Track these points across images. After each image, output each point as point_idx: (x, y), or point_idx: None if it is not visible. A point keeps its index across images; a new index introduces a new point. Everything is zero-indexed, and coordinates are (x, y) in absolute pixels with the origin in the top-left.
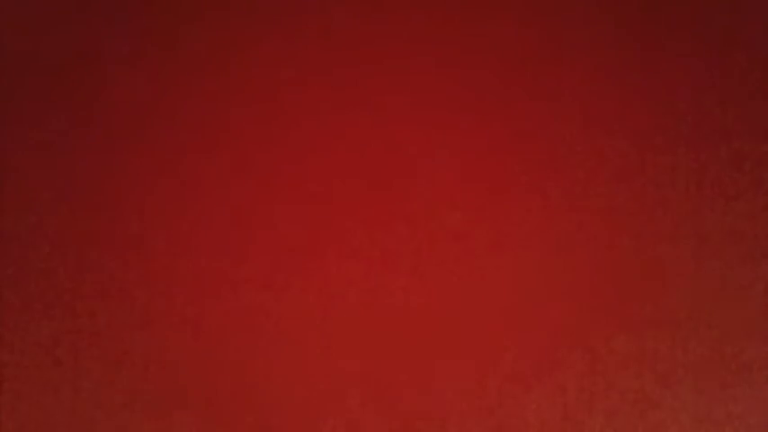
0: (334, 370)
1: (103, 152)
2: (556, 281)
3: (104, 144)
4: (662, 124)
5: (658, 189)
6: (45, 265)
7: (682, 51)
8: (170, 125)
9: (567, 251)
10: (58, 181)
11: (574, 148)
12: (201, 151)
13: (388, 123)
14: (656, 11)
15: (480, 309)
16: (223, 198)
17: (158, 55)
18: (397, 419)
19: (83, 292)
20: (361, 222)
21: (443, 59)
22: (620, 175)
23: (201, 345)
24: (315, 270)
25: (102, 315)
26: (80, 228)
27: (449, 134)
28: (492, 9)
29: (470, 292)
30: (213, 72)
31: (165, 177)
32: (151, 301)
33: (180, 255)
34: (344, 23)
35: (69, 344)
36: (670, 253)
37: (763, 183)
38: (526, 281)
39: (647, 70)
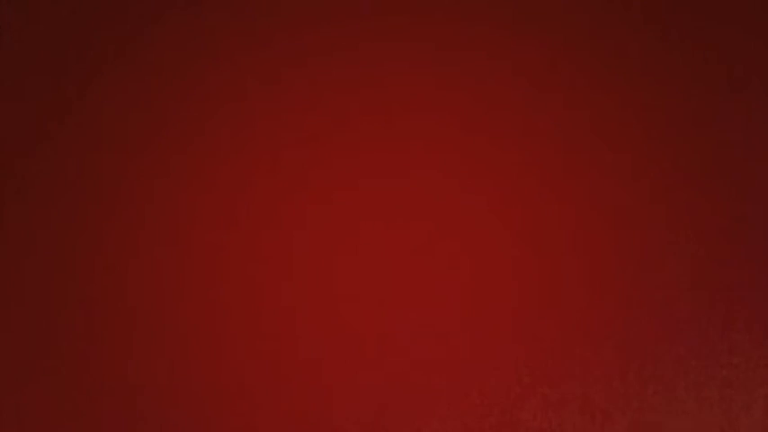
0: (330, 370)
1: (99, 152)
2: (558, 283)
3: (100, 144)
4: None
5: (667, 192)
6: (39, 265)
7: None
8: (164, 124)
9: (572, 254)
10: (54, 182)
11: (580, 151)
12: (196, 150)
13: (387, 124)
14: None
15: (481, 317)
16: (217, 196)
17: (150, 53)
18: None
19: (77, 295)
20: (359, 223)
21: (444, 61)
22: (627, 179)
23: (202, 345)
24: (318, 271)
25: (102, 316)
26: (73, 227)
27: (449, 135)
28: (491, 15)
29: (470, 299)
30: (208, 71)
31: (160, 176)
32: (151, 300)
33: (173, 254)
34: (346, 24)
35: (66, 345)
36: (679, 256)
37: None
38: (529, 284)
39: (649, 77)
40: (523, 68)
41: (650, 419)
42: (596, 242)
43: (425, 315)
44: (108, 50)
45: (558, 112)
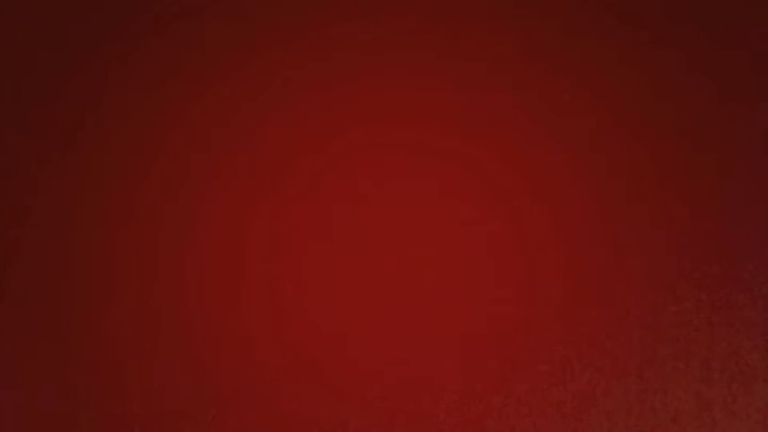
0: (329, 366)
1: (102, 153)
2: (551, 279)
3: (103, 146)
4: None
5: (655, 193)
6: (42, 267)
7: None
8: (167, 127)
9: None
10: (56, 184)
11: (578, 157)
12: (195, 152)
13: (387, 130)
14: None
15: (473, 317)
16: (220, 197)
17: (155, 58)
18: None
19: (75, 297)
20: (360, 226)
21: (444, 70)
22: (622, 182)
23: (225, 344)
24: (318, 270)
25: (124, 318)
26: (93, 229)
27: (447, 142)
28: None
29: (462, 298)
30: (210, 75)
31: (162, 179)
32: (172, 302)
33: (177, 255)
34: (346, 29)
35: (68, 343)
36: (665, 255)
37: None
38: (521, 285)
39: (643, 83)
40: (523, 78)
41: (646, 421)
42: (590, 248)
43: (425, 314)
44: (117, 58)
45: (554, 120)
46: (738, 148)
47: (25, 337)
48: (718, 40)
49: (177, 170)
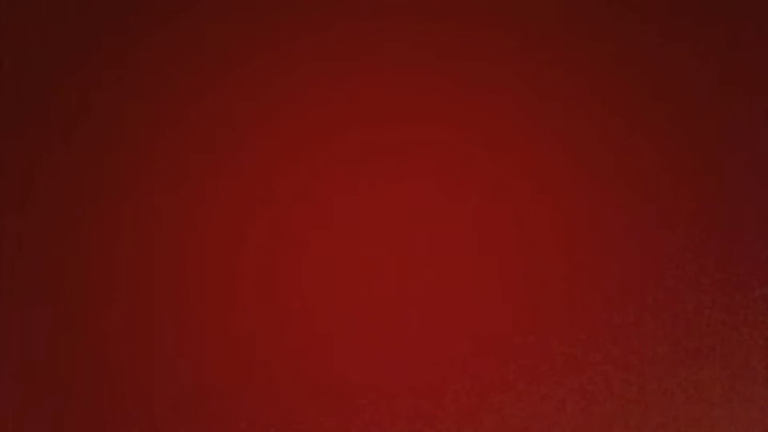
0: (331, 362)
1: (100, 152)
2: (548, 277)
3: (101, 145)
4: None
5: (661, 194)
6: (41, 266)
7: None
8: (167, 126)
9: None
10: (53, 182)
11: (579, 158)
12: (194, 151)
13: (387, 131)
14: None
15: (473, 316)
16: (219, 197)
17: (155, 57)
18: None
19: (75, 295)
20: (358, 228)
21: (445, 69)
22: (623, 183)
23: (222, 344)
24: (318, 270)
25: (121, 315)
26: (72, 230)
27: (449, 143)
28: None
29: (463, 298)
30: (209, 75)
31: (162, 178)
32: (169, 300)
33: (175, 255)
34: (345, 26)
35: (67, 343)
36: (683, 251)
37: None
38: (518, 282)
39: (645, 82)
40: (525, 75)
41: (645, 420)
42: (590, 246)
43: (425, 314)
44: (115, 55)
45: (557, 118)
46: (740, 148)
47: (24, 337)
48: (726, 36)
49: (177, 170)
